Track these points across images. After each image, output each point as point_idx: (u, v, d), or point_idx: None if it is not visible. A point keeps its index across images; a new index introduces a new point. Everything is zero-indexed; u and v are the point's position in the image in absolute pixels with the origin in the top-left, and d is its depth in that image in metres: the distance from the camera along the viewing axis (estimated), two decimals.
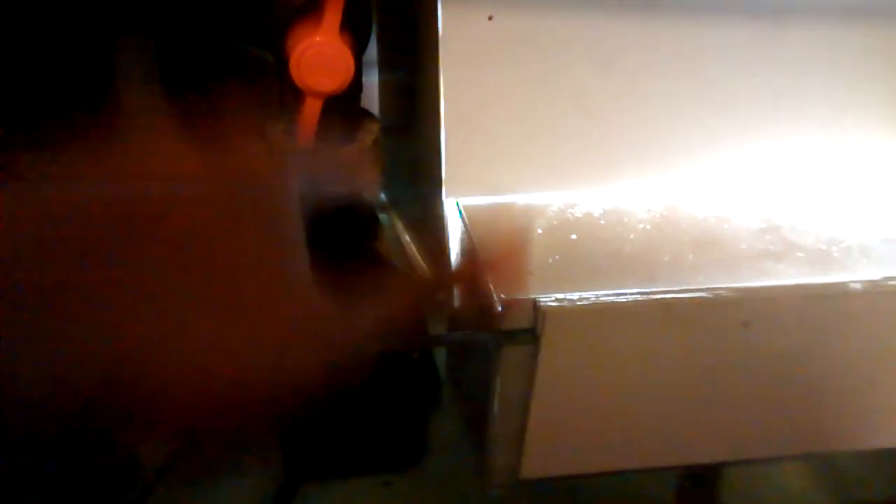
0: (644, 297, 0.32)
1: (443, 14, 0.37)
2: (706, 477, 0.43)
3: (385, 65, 0.56)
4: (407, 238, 0.49)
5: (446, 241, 0.39)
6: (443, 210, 0.40)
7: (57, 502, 0.36)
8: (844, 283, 0.34)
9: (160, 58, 0.56)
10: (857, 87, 0.41)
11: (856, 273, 0.35)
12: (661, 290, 0.33)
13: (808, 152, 0.42)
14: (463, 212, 0.38)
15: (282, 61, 0.41)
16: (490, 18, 0.37)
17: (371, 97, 0.58)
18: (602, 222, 0.38)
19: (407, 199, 0.53)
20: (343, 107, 0.41)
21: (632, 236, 0.37)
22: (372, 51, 0.50)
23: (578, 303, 0.32)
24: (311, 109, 0.38)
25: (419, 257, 0.47)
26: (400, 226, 0.52)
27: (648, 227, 0.38)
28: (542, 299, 0.32)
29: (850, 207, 0.41)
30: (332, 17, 0.37)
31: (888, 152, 0.43)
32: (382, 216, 0.54)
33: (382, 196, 0.58)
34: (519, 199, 0.40)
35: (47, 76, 0.57)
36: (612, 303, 0.32)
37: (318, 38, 0.36)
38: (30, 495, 0.33)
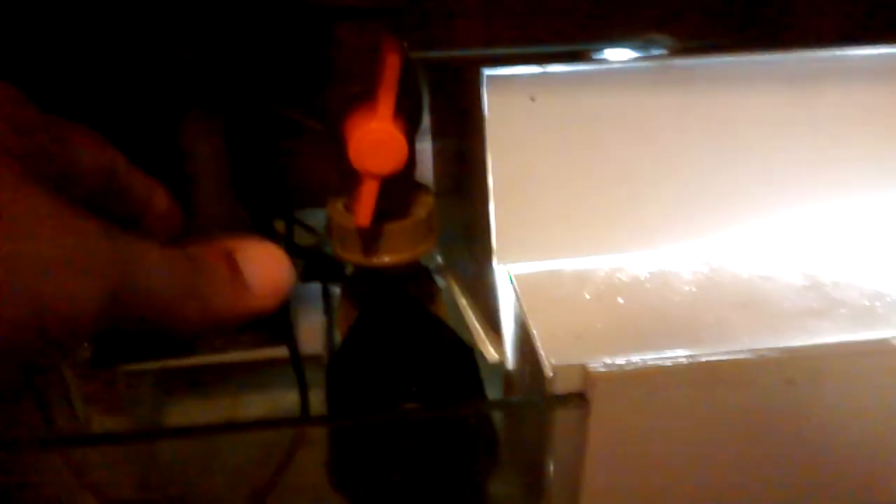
0: (689, 359, 0.34)
1: (487, 96, 0.40)
2: None
3: (437, 134, 0.59)
4: (463, 301, 0.51)
5: (497, 308, 0.41)
6: (494, 277, 0.42)
7: None
8: (887, 340, 0.35)
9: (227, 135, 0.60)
10: (894, 145, 0.42)
11: None
12: (707, 352, 0.34)
13: (848, 211, 0.43)
14: (514, 279, 0.40)
15: (339, 144, 0.44)
16: (532, 99, 0.39)
17: (425, 161, 0.61)
18: (648, 286, 0.40)
19: (462, 263, 0.55)
20: (398, 184, 0.44)
21: (677, 298, 0.39)
22: (425, 119, 0.53)
23: (626, 367, 0.34)
24: (369, 190, 0.41)
25: (474, 320, 0.49)
26: (456, 289, 0.54)
27: (693, 288, 0.40)
28: (591, 364, 0.34)
29: (893, 263, 0.41)
30: (386, 103, 0.40)
31: None
32: (439, 279, 0.57)
33: (439, 259, 0.61)
34: (567, 264, 0.42)
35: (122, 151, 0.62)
36: (659, 366, 0.34)
37: (373, 125, 0.39)
38: None
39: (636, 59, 0.45)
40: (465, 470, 0.41)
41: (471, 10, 0.69)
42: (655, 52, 0.58)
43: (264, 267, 0.28)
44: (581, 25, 0.70)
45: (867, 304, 0.38)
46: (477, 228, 0.46)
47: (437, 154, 0.60)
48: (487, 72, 0.39)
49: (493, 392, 0.46)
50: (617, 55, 0.52)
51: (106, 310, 0.22)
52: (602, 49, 0.60)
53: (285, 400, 0.63)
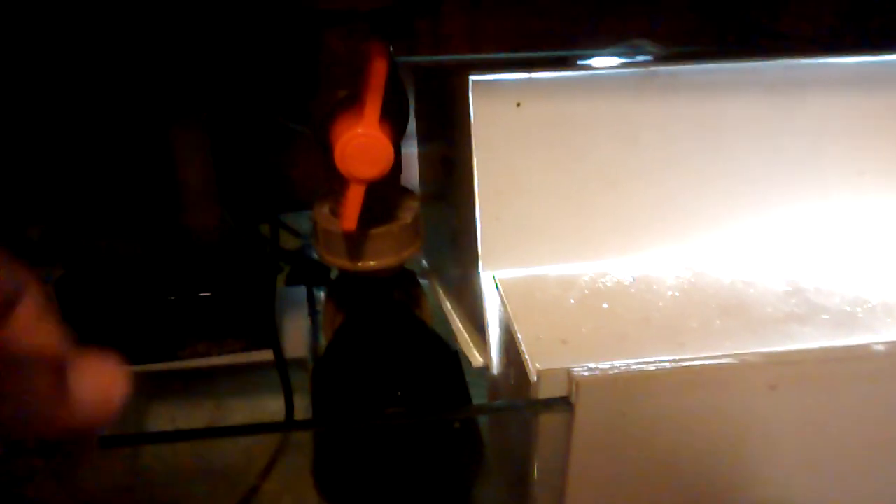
0: (673, 364, 0.34)
1: (474, 102, 0.40)
2: None
3: (423, 138, 0.59)
4: (448, 306, 0.51)
5: (482, 313, 0.41)
6: (479, 283, 0.42)
7: None
8: (868, 345, 0.35)
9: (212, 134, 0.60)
10: (873, 152, 0.42)
11: (881, 334, 0.36)
12: (689, 357, 0.34)
13: (830, 216, 0.44)
14: (499, 285, 0.41)
15: (326, 148, 0.44)
16: (518, 105, 0.40)
17: (411, 165, 0.61)
18: (632, 290, 0.40)
19: (447, 267, 0.55)
20: (384, 188, 0.44)
21: (661, 304, 0.39)
22: (411, 125, 0.53)
23: (610, 372, 0.34)
24: (355, 194, 0.41)
25: (459, 325, 0.49)
26: (441, 293, 0.54)
27: (677, 293, 0.40)
28: (575, 369, 0.34)
29: (874, 268, 0.42)
30: (372, 108, 0.40)
31: None
32: (424, 282, 0.57)
33: (425, 263, 0.61)
34: (553, 270, 0.42)
35: (112, 158, 0.61)
36: (642, 371, 0.34)
37: (360, 130, 0.40)
38: None
39: (621, 66, 0.45)
40: (450, 474, 0.41)
41: (456, 13, 0.69)
42: (640, 58, 0.58)
43: (95, 383, 0.26)
44: (567, 30, 0.71)
45: (848, 309, 0.38)
46: (462, 233, 0.46)
47: (423, 158, 0.61)
48: (474, 77, 0.39)
49: (478, 396, 0.46)
50: (602, 62, 0.53)
51: None
52: (588, 56, 0.60)
53: (270, 404, 0.62)
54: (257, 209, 0.67)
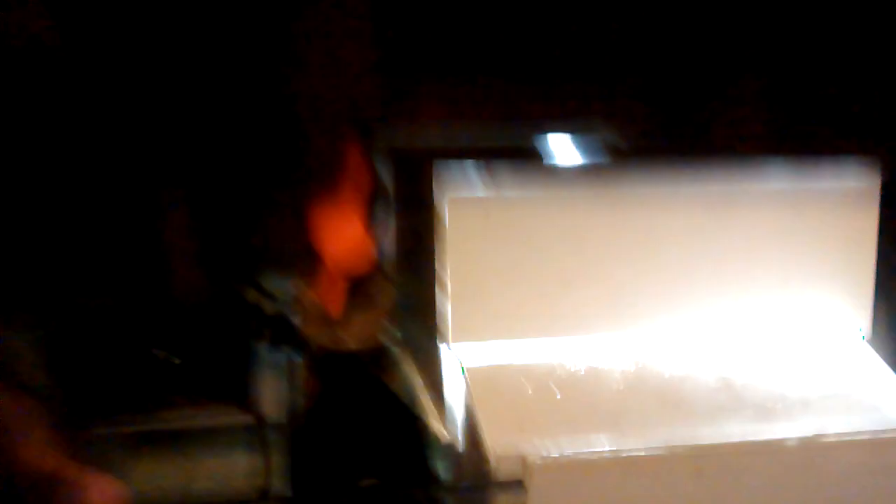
0: (613, 454, 0.39)
1: (448, 213, 0.45)
2: None
3: (399, 215, 0.64)
4: (417, 380, 0.56)
5: (447, 392, 0.46)
6: (446, 361, 0.47)
7: None
8: (782, 440, 0.41)
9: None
10: (800, 257, 0.49)
11: (796, 426, 0.42)
12: (628, 447, 0.40)
13: (759, 311, 0.49)
14: (465, 372, 0.46)
15: (310, 239, 0.49)
16: (487, 217, 0.45)
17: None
18: (582, 382, 0.45)
19: (416, 338, 0.60)
20: (365, 278, 0.49)
21: (607, 395, 0.44)
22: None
23: (559, 459, 0.39)
24: (339, 285, 0.46)
25: (427, 399, 0.54)
26: (410, 365, 0.59)
27: (622, 386, 0.45)
28: (529, 455, 0.39)
29: (794, 365, 0.48)
30: (356, 207, 0.46)
31: (828, 312, 0.50)
32: (396, 352, 0.61)
33: (398, 335, 0.65)
34: (510, 344, 0.47)
35: (101, 220, 0.65)
36: (587, 459, 0.39)
37: (345, 230, 0.45)
38: None
39: (576, 174, 0.51)
40: None
41: (432, 96, 0.74)
42: (596, 152, 0.64)
43: (99, 495, 0.34)
44: (532, 111, 0.76)
45: (770, 405, 0.44)
46: (430, 308, 0.51)
47: (400, 235, 0.65)
48: (450, 195, 0.44)
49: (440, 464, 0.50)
50: (563, 153, 0.59)
51: None
52: (550, 138, 0.66)
53: (245, 466, 0.65)
54: (237, 273, 0.71)
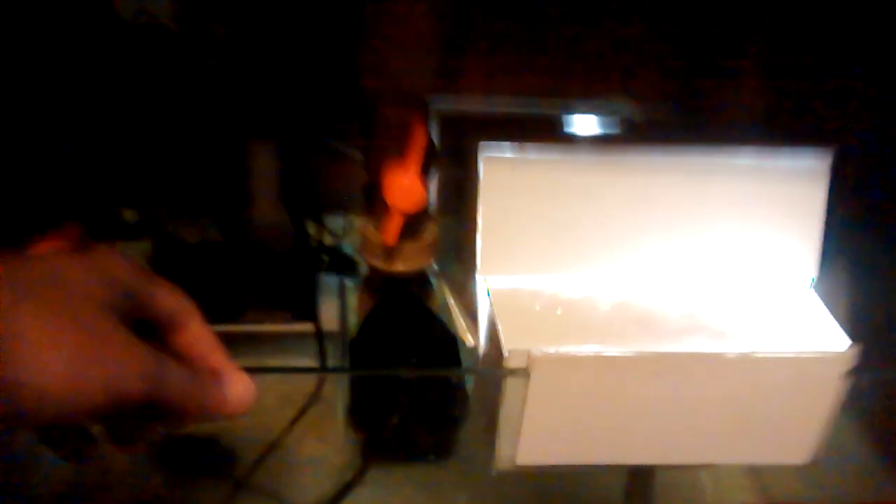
0: (596, 353, 0.53)
1: (483, 166, 0.59)
2: (646, 472, 0.64)
3: (445, 186, 0.77)
4: (451, 301, 0.70)
5: (477, 309, 0.60)
6: (476, 286, 0.61)
7: None
8: (724, 353, 0.54)
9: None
10: (764, 220, 0.61)
11: (738, 345, 0.55)
12: (607, 349, 0.53)
13: (727, 261, 0.63)
14: (490, 293, 0.60)
15: (377, 186, 0.63)
16: (513, 169, 0.58)
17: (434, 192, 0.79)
18: (579, 304, 0.59)
19: (452, 271, 0.74)
20: (415, 216, 0.62)
21: (596, 314, 0.58)
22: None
23: (554, 355, 0.53)
24: (396, 220, 0.60)
25: (459, 315, 0.68)
26: (447, 290, 0.73)
27: (609, 308, 0.59)
28: (532, 351, 0.53)
29: (751, 302, 0.61)
30: (414, 163, 0.59)
31: (783, 264, 0.63)
32: (434, 281, 0.76)
33: (436, 267, 0.79)
34: (529, 279, 0.61)
35: (200, 159, 0.79)
36: (576, 355, 0.53)
37: (405, 180, 0.58)
38: None
39: (592, 144, 0.64)
40: (444, 417, 0.60)
41: (474, 71, 0.87)
42: (612, 124, 0.77)
43: (237, 388, 0.38)
44: (559, 86, 0.88)
45: (721, 330, 0.57)
46: (466, 245, 0.64)
47: (443, 185, 0.79)
48: (484, 154, 0.57)
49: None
50: (583, 123, 0.72)
51: (142, 399, 0.33)
52: (574, 113, 0.78)
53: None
54: (306, 212, 0.86)
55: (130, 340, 0.34)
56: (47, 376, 0.31)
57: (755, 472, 0.72)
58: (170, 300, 0.38)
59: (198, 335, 0.39)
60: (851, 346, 0.56)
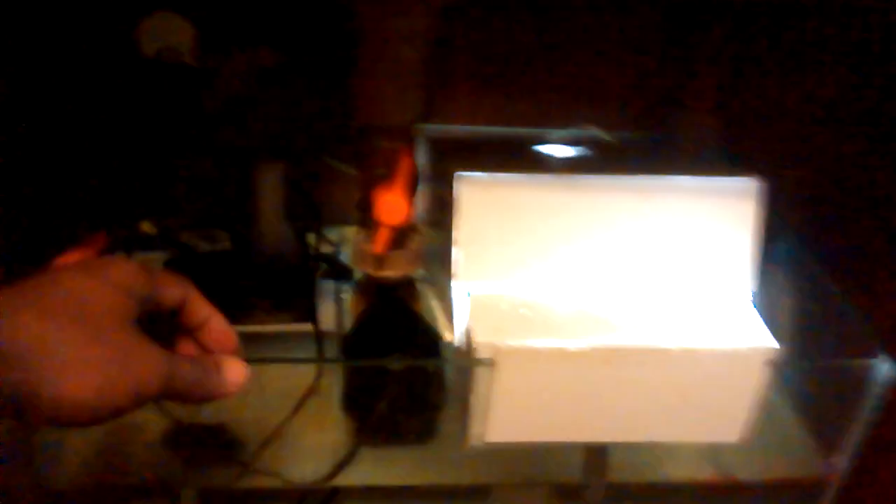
0: (555, 347, 0.62)
1: (460, 188, 0.68)
2: (600, 448, 0.73)
3: (429, 203, 0.87)
4: (435, 304, 0.79)
5: (455, 311, 0.69)
6: (456, 291, 0.70)
7: None
8: (668, 348, 0.63)
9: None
10: (708, 237, 0.71)
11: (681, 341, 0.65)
12: (559, 343, 0.62)
13: (675, 271, 0.72)
14: (469, 296, 0.69)
15: (368, 202, 0.72)
16: (488, 190, 0.68)
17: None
18: (542, 306, 0.68)
19: (437, 279, 0.83)
20: (401, 228, 0.72)
21: (557, 314, 0.67)
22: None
23: (519, 347, 0.62)
24: (385, 233, 0.69)
25: (441, 316, 0.77)
26: (431, 294, 0.82)
27: (569, 309, 0.68)
28: (498, 344, 0.62)
29: (696, 308, 0.70)
30: (400, 183, 0.68)
31: (724, 276, 0.72)
32: (420, 287, 0.85)
33: (422, 272, 0.88)
34: (501, 284, 0.70)
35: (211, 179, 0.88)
36: (537, 348, 0.62)
37: (391, 198, 0.68)
38: None
39: (555, 167, 0.73)
40: (426, 403, 0.70)
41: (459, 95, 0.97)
42: (582, 150, 0.86)
43: (233, 374, 0.45)
44: (531, 111, 0.97)
45: (668, 330, 0.66)
46: (446, 255, 0.73)
47: (428, 201, 0.88)
48: (460, 174, 0.67)
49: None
50: (551, 152, 0.81)
51: (158, 393, 0.39)
52: (544, 138, 0.87)
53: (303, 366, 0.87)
54: (307, 225, 0.95)
55: (147, 346, 0.40)
56: (82, 391, 0.35)
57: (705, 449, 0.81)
58: (173, 290, 0.44)
59: (196, 306, 0.46)
60: (772, 343, 0.65)
